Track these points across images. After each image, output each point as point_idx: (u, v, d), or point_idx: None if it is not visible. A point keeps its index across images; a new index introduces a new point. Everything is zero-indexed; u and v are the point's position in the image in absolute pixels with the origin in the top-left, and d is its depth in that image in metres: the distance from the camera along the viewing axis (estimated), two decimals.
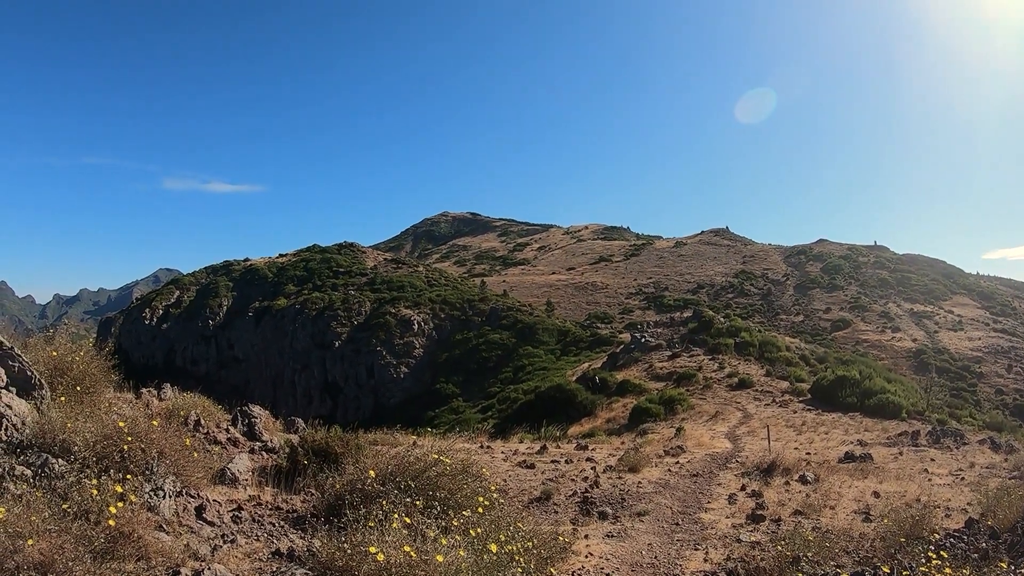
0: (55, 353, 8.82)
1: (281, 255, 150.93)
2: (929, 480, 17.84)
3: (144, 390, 12.06)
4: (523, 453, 21.38)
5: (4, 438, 6.70)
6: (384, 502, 7.40)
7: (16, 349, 7.88)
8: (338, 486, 8.39)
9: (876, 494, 15.65)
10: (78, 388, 8.56)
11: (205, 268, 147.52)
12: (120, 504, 5.87)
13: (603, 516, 13.77)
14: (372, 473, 8.20)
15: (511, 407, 58.70)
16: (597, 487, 16.29)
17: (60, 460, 6.52)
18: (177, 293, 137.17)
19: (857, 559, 9.26)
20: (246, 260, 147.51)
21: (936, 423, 31.11)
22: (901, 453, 23.11)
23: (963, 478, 17.99)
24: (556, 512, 14.15)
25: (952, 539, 8.42)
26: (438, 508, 7.75)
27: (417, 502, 7.66)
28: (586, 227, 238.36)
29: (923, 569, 6.51)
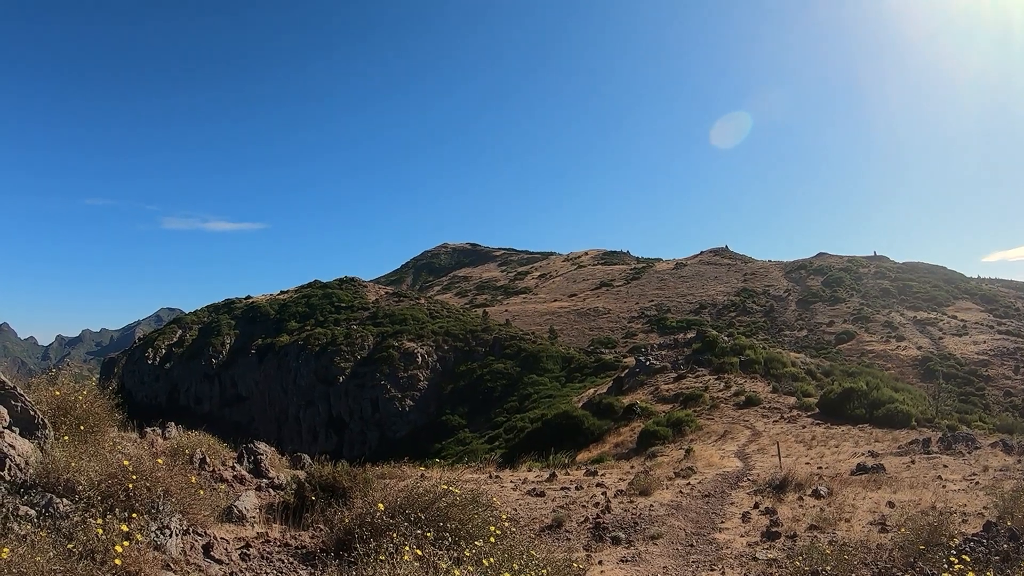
0: (58, 393, 8.78)
1: (283, 292, 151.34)
2: (943, 487, 17.70)
3: (148, 429, 12.01)
4: (532, 481, 21.23)
5: (8, 478, 6.64)
6: (394, 535, 7.32)
7: (19, 389, 7.84)
8: (347, 520, 8.29)
9: (891, 504, 15.52)
10: (82, 427, 8.51)
11: (207, 307, 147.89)
12: (126, 543, 5.79)
13: (616, 541, 13.65)
14: (381, 506, 8.11)
15: (518, 436, 58.43)
16: (609, 512, 16.16)
17: (64, 500, 6.46)
18: (179, 332, 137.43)
19: (876, 570, 9.15)
20: (248, 298, 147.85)
21: (946, 429, 30.93)
22: (913, 462, 22.94)
23: (977, 482, 17.85)
24: (568, 539, 14.03)
25: (971, 543, 8.33)
26: (449, 539, 7.68)
27: (428, 534, 7.59)
28: (586, 253, 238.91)
29: (945, 575, 6.41)
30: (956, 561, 6.78)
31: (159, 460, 7.82)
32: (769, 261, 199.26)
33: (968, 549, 8.00)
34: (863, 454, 26.15)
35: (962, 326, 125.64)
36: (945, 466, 21.43)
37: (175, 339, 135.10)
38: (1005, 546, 8.02)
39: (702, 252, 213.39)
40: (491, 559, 7.28)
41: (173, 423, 13.44)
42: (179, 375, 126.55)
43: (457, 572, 6.38)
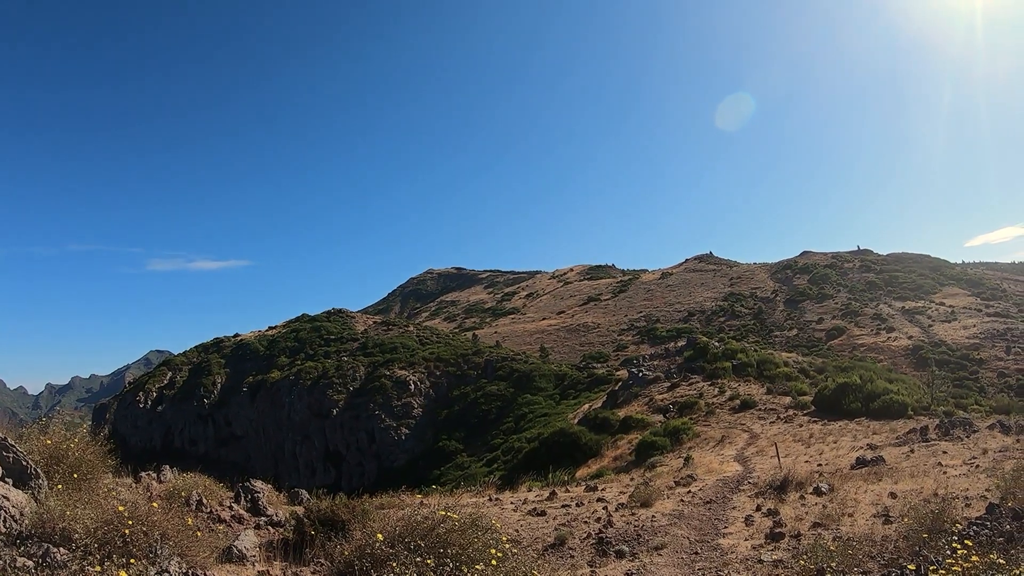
0: (49, 442, 8.75)
1: (271, 328, 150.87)
2: (944, 473, 17.75)
3: (143, 473, 11.95)
4: (532, 501, 21.18)
5: (3, 530, 6.60)
6: (395, 564, 7.31)
7: (9, 439, 7.81)
8: (347, 553, 8.27)
9: (893, 495, 15.55)
10: (75, 475, 8.48)
11: (196, 347, 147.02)
12: None
13: (620, 555, 13.63)
14: (380, 536, 8.11)
15: (516, 457, 58.27)
16: (611, 526, 16.13)
17: (61, 549, 6.42)
18: (170, 374, 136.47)
19: (883, 562, 9.16)
20: (236, 336, 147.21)
21: (943, 415, 31.04)
22: (912, 451, 23.01)
23: (978, 465, 17.92)
24: (572, 556, 14.00)
25: (975, 527, 8.34)
26: (450, 565, 7.66)
27: (428, 561, 7.58)
28: (571, 269, 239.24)
29: (949, 561, 6.43)
30: (959, 547, 6.79)
31: (155, 504, 7.79)
32: (754, 263, 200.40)
33: (972, 533, 8.02)
34: (862, 447, 26.23)
35: (951, 312, 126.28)
36: (944, 452, 21.51)
37: (166, 381, 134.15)
38: (1008, 526, 8.06)
39: (687, 260, 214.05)
40: None
41: (168, 466, 13.38)
42: (172, 417, 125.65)
43: None
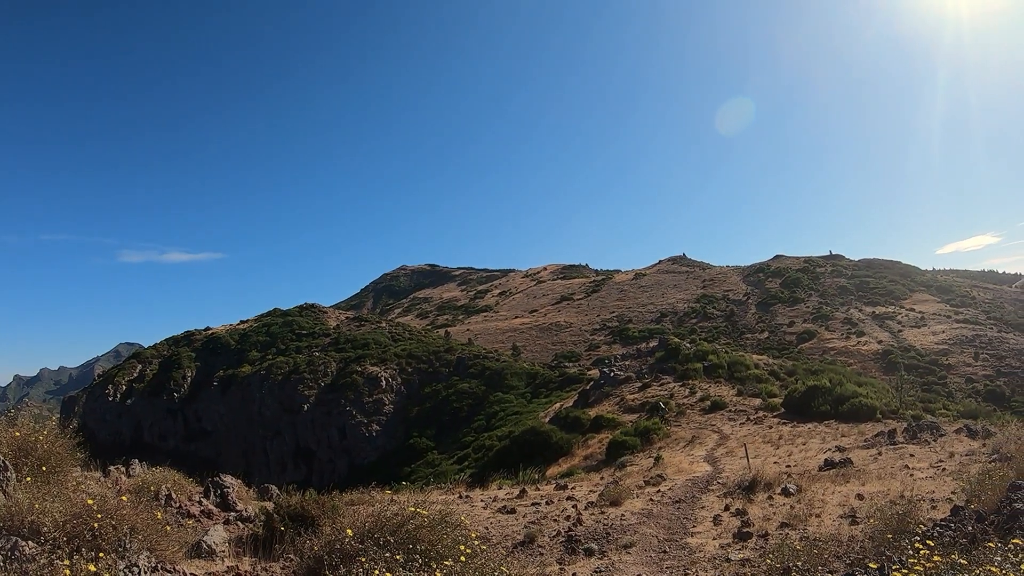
0: (18, 434, 8.66)
1: (243, 321, 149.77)
2: (911, 475, 17.97)
3: (112, 467, 11.88)
4: (503, 499, 21.21)
5: None
6: (364, 560, 7.30)
7: None
8: (316, 548, 8.26)
9: (860, 496, 15.74)
10: (44, 468, 8.41)
11: (166, 340, 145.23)
12: None
13: (589, 553, 13.70)
14: (350, 532, 8.10)
15: (487, 455, 58.25)
16: (580, 524, 16.19)
17: (30, 542, 6.36)
18: (139, 367, 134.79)
19: (848, 562, 9.29)
20: (207, 329, 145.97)
21: (911, 419, 31.35)
22: (880, 453, 23.25)
23: (944, 468, 18.16)
24: (541, 554, 14.04)
25: (940, 528, 8.47)
26: (419, 561, 7.66)
27: (397, 556, 7.57)
28: (545, 268, 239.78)
29: (912, 560, 6.55)
30: (922, 547, 6.91)
31: (124, 498, 7.74)
32: (727, 266, 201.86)
33: (935, 534, 8.14)
34: (830, 449, 26.45)
35: (920, 318, 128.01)
36: (912, 455, 21.74)
37: (135, 374, 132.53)
38: (972, 528, 8.19)
39: (660, 261, 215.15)
40: None
41: (137, 460, 13.29)
42: (141, 411, 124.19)
43: None
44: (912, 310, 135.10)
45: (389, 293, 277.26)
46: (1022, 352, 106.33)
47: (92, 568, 5.94)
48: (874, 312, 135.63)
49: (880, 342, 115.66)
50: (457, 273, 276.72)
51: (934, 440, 24.27)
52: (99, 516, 6.83)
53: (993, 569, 5.96)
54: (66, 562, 5.95)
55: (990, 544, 6.79)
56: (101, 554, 6.42)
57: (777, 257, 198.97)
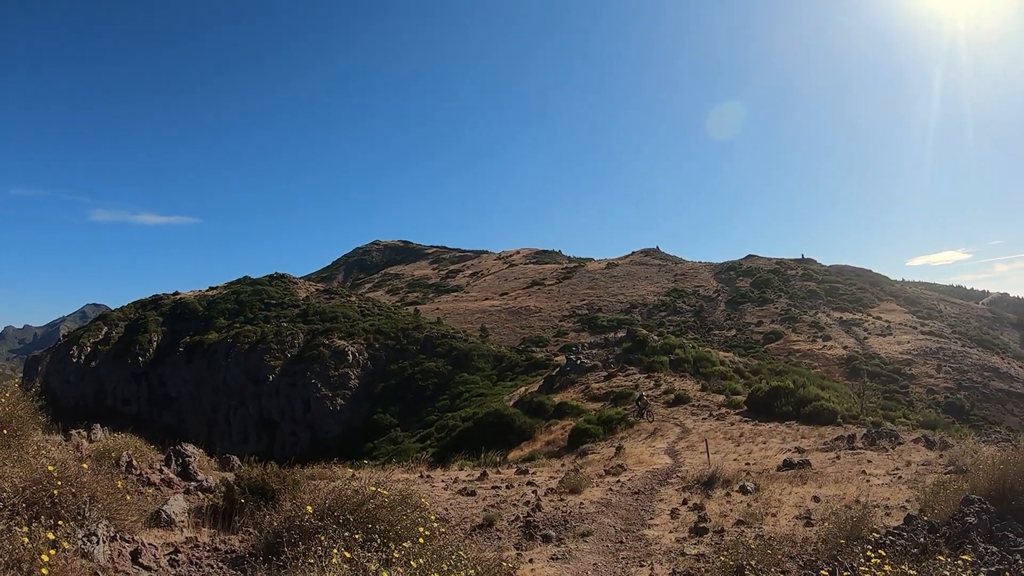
0: None
1: (212, 288, 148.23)
2: (867, 481, 18.18)
3: (74, 432, 11.79)
4: (463, 481, 21.27)
5: None
6: (323, 537, 7.31)
7: None
8: (276, 523, 8.25)
9: (816, 499, 15.92)
10: (4, 432, 8.32)
11: (134, 303, 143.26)
12: (53, 551, 5.68)
13: (547, 539, 13.79)
14: (309, 509, 8.10)
15: (450, 435, 58.36)
16: (539, 511, 16.28)
17: None
18: (105, 329, 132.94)
19: (801, 563, 9.43)
20: (176, 294, 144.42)
21: (871, 426, 31.67)
22: (839, 457, 23.49)
23: (900, 476, 18.38)
24: (499, 538, 14.11)
25: (892, 536, 8.61)
26: (378, 540, 7.67)
27: (356, 535, 7.58)
28: (518, 252, 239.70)
29: (863, 569, 6.67)
30: (873, 555, 7.03)
31: (84, 465, 7.71)
32: (699, 262, 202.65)
33: (888, 542, 8.27)
34: (790, 450, 26.68)
35: (886, 327, 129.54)
36: (869, 461, 21.98)
37: (101, 336, 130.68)
38: (923, 539, 8.31)
39: (633, 252, 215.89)
40: (420, 560, 7.30)
41: (99, 425, 13.20)
42: (105, 374, 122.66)
43: (386, 574, 6.41)
44: (879, 318, 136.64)
45: (361, 267, 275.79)
46: (984, 368, 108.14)
47: (51, 536, 5.91)
48: (841, 318, 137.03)
49: (845, 347, 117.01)
50: (430, 251, 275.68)
51: (892, 448, 24.55)
52: (59, 483, 6.80)
53: None
54: (24, 529, 5.91)
55: (940, 557, 6.92)
56: (60, 522, 6.39)
57: (749, 257, 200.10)
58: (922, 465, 20.04)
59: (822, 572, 7.14)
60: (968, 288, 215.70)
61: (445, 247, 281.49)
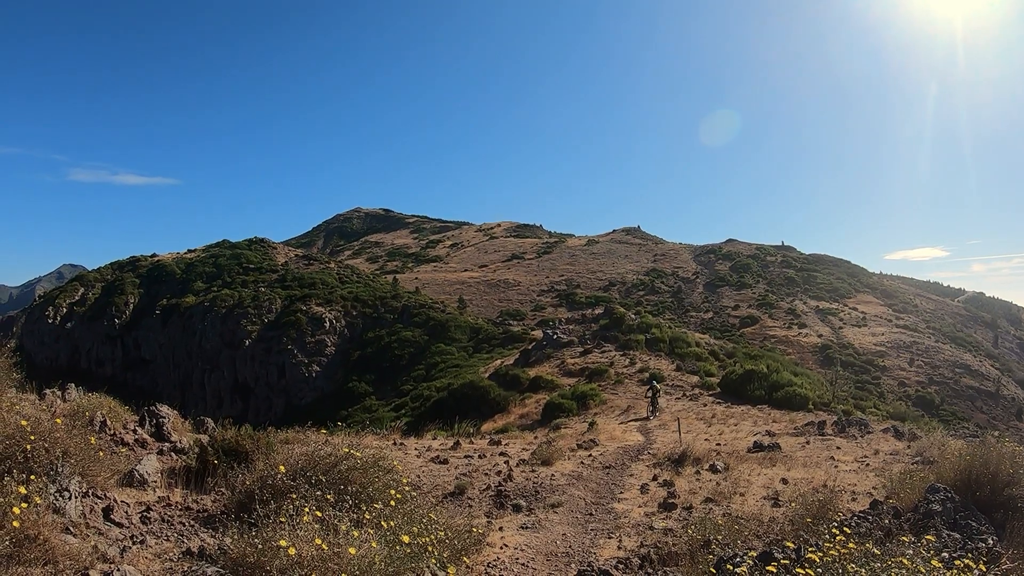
0: None
1: (190, 251, 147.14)
2: (836, 467, 18.43)
3: (48, 391, 11.73)
4: (436, 449, 21.37)
5: None
6: (295, 497, 7.34)
7: None
8: (248, 483, 8.29)
9: (784, 481, 16.14)
10: None
11: (111, 264, 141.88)
12: (24, 506, 5.69)
13: (517, 508, 13.92)
14: (282, 468, 8.14)
15: (424, 405, 58.49)
16: (511, 481, 16.42)
17: None
18: (81, 290, 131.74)
19: (767, 541, 9.57)
20: (153, 256, 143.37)
21: (842, 414, 31.97)
22: (808, 442, 23.74)
23: (868, 464, 18.63)
24: (470, 506, 14.25)
25: (857, 519, 8.78)
26: (350, 502, 7.71)
27: (328, 496, 7.62)
28: (499, 224, 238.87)
29: (828, 545, 6.80)
30: (839, 534, 7.16)
31: (58, 420, 7.70)
32: (680, 244, 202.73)
33: (853, 524, 8.41)
34: (761, 433, 26.93)
35: (862, 318, 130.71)
36: (838, 448, 22.23)
37: (77, 297, 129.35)
38: (888, 522, 8.49)
39: (614, 230, 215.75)
40: (391, 522, 7.36)
41: (73, 385, 13.15)
42: (80, 336, 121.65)
43: (357, 534, 6.45)
44: (855, 309, 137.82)
45: (341, 234, 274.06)
46: (956, 364, 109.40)
47: (23, 490, 5.92)
48: (818, 306, 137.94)
49: (820, 336, 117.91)
50: (411, 220, 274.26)
51: (861, 436, 24.81)
52: (32, 438, 6.80)
53: (904, 561, 6.18)
54: None
55: (904, 539, 7.06)
56: (33, 476, 6.39)
57: (730, 241, 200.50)
58: (890, 454, 20.30)
59: (787, 544, 7.26)
60: (945, 285, 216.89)
61: (426, 217, 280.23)
